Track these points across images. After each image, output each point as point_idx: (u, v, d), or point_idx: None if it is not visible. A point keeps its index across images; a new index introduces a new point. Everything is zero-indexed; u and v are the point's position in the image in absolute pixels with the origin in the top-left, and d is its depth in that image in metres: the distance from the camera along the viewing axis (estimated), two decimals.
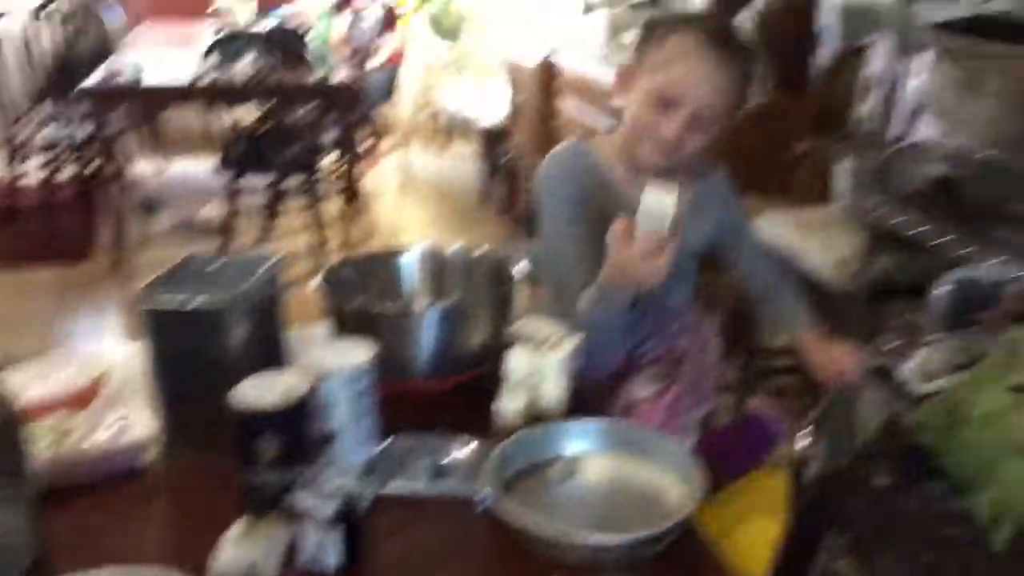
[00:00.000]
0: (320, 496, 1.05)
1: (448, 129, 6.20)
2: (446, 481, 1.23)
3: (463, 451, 1.27)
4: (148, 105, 4.73)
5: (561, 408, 1.39)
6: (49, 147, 4.67)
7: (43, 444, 1.22)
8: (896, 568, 1.25)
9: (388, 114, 5.89)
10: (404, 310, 1.46)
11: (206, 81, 3.95)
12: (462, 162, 6.16)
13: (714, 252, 1.69)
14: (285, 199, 4.68)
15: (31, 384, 1.37)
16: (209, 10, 5.21)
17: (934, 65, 1.70)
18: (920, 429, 1.77)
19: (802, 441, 1.50)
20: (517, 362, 1.42)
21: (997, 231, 1.61)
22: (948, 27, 1.68)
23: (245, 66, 4.08)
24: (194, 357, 1.24)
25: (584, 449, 1.27)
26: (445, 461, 1.25)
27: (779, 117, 2.86)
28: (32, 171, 4.85)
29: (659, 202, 1.34)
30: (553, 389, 1.39)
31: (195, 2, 5.68)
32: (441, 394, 1.46)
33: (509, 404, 1.36)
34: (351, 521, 1.06)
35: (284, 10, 5.07)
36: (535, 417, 1.37)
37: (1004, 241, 1.57)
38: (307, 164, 4.22)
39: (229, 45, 4.11)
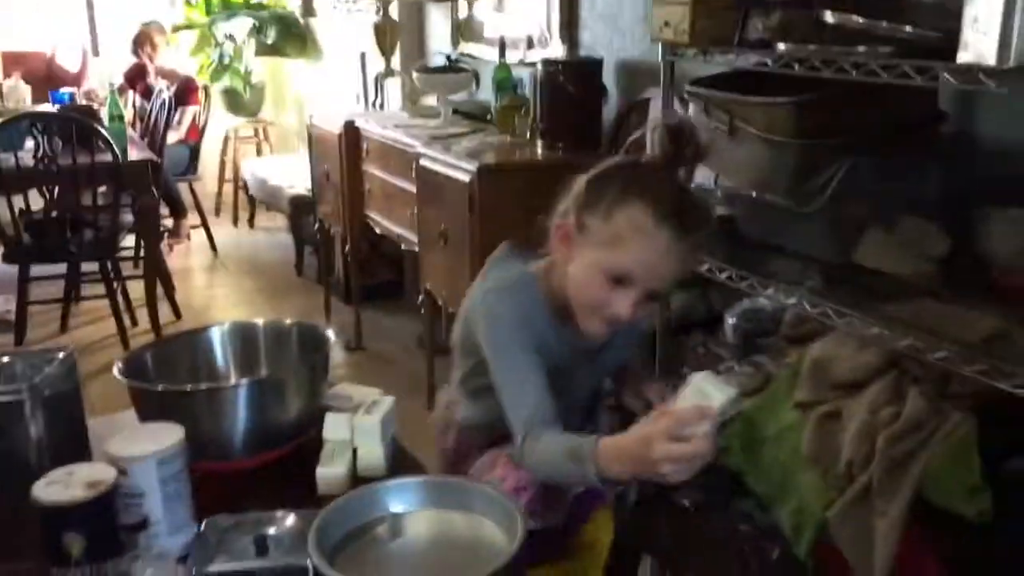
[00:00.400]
0: None
1: (255, 202, 6.11)
2: (271, 556, 1.21)
3: (286, 523, 1.26)
4: None
5: (382, 469, 1.40)
6: None
7: None
8: None
9: (192, 190, 5.75)
10: (212, 388, 1.44)
11: None
12: (272, 235, 6.08)
13: None
14: (82, 287, 4.49)
15: None
16: None
17: (696, 117, 1.85)
18: (724, 452, 1.89)
19: None
20: (334, 428, 1.43)
21: (770, 263, 1.76)
22: (704, 83, 1.84)
23: (29, 151, 3.90)
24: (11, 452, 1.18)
25: (406, 507, 1.29)
26: (268, 536, 1.24)
27: (573, 170, 3.01)
28: None
29: (721, 398, 1.14)
30: (372, 451, 1.40)
31: None
32: (262, 469, 1.44)
33: (328, 471, 1.37)
34: None
35: (67, 91, 4.88)
36: (358, 479, 1.38)
37: (776, 272, 1.71)
38: (104, 248, 4.06)
39: (10, 129, 3.92)
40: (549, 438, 1.32)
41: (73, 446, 1.26)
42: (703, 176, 2.36)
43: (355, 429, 1.41)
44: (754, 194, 1.70)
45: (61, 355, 1.27)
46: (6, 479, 1.16)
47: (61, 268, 4.23)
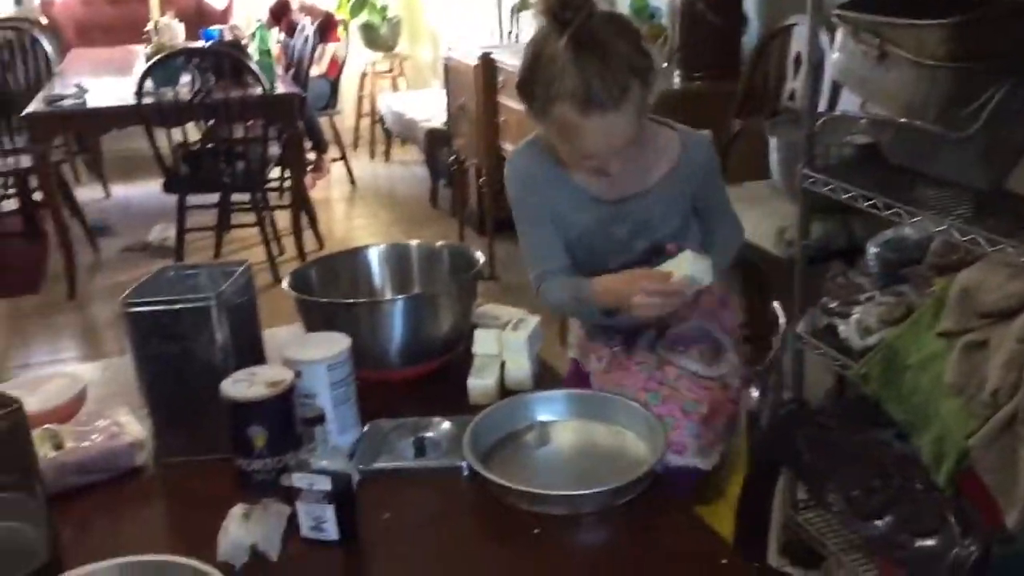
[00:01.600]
0: (313, 476, 1.13)
1: (391, 136, 6.26)
2: (428, 456, 1.31)
3: (441, 429, 1.35)
4: (92, 128, 4.71)
5: (528, 382, 1.48)
6: None
7: (41, 452, 1.28)
8: (842, 494, 1.36)
9: (333, 124, 5.93)
10: (372, 302, 1.54)
11: (148, 101, 3.97)
12: (407, 168, 6.22)
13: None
14: (233, 216, 4.73)
15: (31, 395, 1.42)
16: (143, 34, 5.21)
17: (844, 42, 1.82)
18: (864, 381, 1.89)
19: (752, 395, 1.60)
20: (484, 343, 1.51)
21: (917, 191, 1.73)
22: (854, 6, 1.79)
23: (185, 85, 4.11)
24: (180, 358, 1.30)
25: (553, 417, 1.37)
26: (426, 439, 1.33)
27: (711, 100, 2.99)
28: None
29: (696, 268, 1.40)
30: (519, 365, 1.48)
31: (124, 28, 5.67)
32: (416, 379, 1.54)
33: (479, 382, 1.45)
34: (344, 496, 1.14)
35: (217, 28, 5.08)
36: (506, 392, 1.47)
37: (924, 200, 1.68)
38: (254, 179, 4.26)
39: (167, 65, 4.13)
40: (555, 284, 1.54)
41: (251, 351, 1.37)
42: (850, 103, 2.32)
43: (504, 344, 1.49)
44: (903, 120, 1.66)
45: (239, 269, 1.39)
46: (196, 378, 1.28)
47: (215, 198, 4.47)
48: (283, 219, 4.63)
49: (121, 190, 5.88)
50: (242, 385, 1.23)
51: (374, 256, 1.68)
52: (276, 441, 1.21)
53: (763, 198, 2.49)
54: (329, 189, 5.91)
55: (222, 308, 1.29)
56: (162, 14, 5.36)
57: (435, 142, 5.07)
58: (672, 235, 1.57)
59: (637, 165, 1.53)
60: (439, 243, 1.71)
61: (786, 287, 2.14)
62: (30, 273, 4.55)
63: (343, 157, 5.92)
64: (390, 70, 6.61)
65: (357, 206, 5.63)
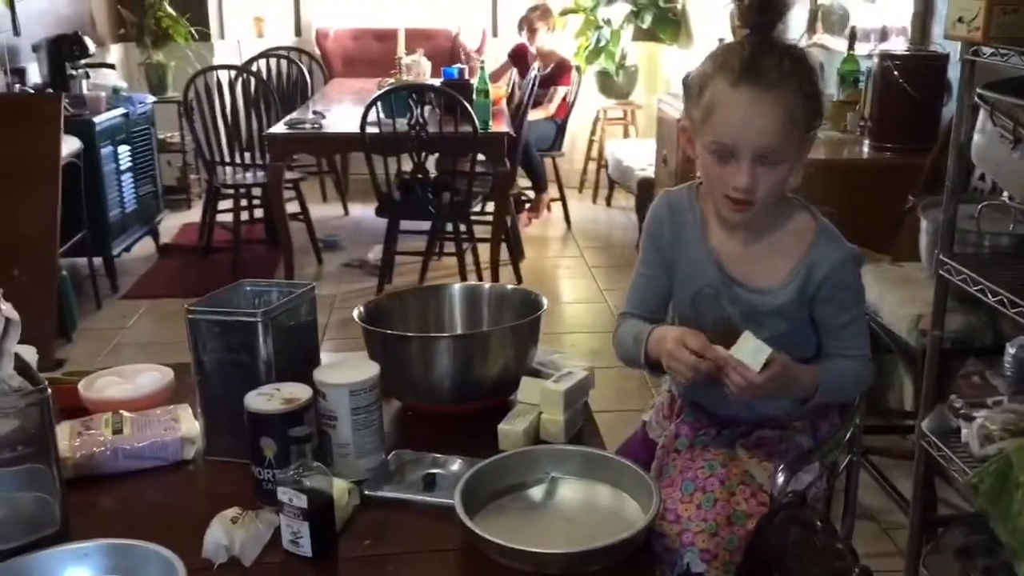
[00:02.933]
0: (293, 492, 1.20)
1: (612, 181, 6.33)
2: (435, 492, 1.34)
3: (453, 467, 1.38)
4: (322, 151, 5.14)
5: (560, 435, 1.48)
6: (241, 189, 5.15)
7: (107, 433, 1.44)
8: None
9: (555, 165, 6.09)
10: (424, 338, 1.59)
11: (373, 131, 4.28)
12: (625, 214, 6.26)
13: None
14: (443, 244, 4.98)
15: (110, 386, 1.61)
16: (392, 69, 5.61)
17: (983, 123, 1.67)
18: (974, 493, 1.72)
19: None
20: (526, 391, 1.53)
21: None
22: (997, 87, 1.65)
23: (411, 118, 4.39)
24: (229, 366, 1.43)
25: (558, 472, 1.37)
26: (437, 475, 1.37)
27: (898, 173, 2.81)
28: (233, 212, 5.36)
29: (751, 353, 1.36)
30: (553, 418, 1.48)
31: (385, 62, 6.12)
32: (465, 417, 1.57)
33: (509, 428, 1.47)
34: (320, 516, 1.20)
35: (456, 67, 5.39)
36: (539, 441, 1.47)
37: None
38: (458, 211, 4.47)
39: (395, 97, 4.43)
40: (628, 325, 1.56)
41: (300, 368, 1.46)
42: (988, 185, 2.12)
43: (541, 395, 1.50)
44: None
45: (302, 291, 1.50)
46: (241, 386, 1.39)
47: (427, 225, 4.73)
48: (488, 254, 4.80)
49: (359, 210, 6.34)
50: (263, 398, 1.33)
51: (450, 294, 1.75)
52: (284, 454, 1.30)
53: (913, 281, 2.32)
54: (546, 228, 6.06)
55: (268, 325, 1.40)
56: (409, 51, 5.73)
57: (645, 190, 5.08)
58: (779, 336, 1.44)
59: (770, 243, 1.49)
60: (510, 287, 1.75)
61: (914, 379, 1.99)
62: (260, 276, 5.00)
63: (562, 198, 6.05)
64: (623, 117, 6.69)
65: (568, 247, 5.73)
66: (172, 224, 5.90)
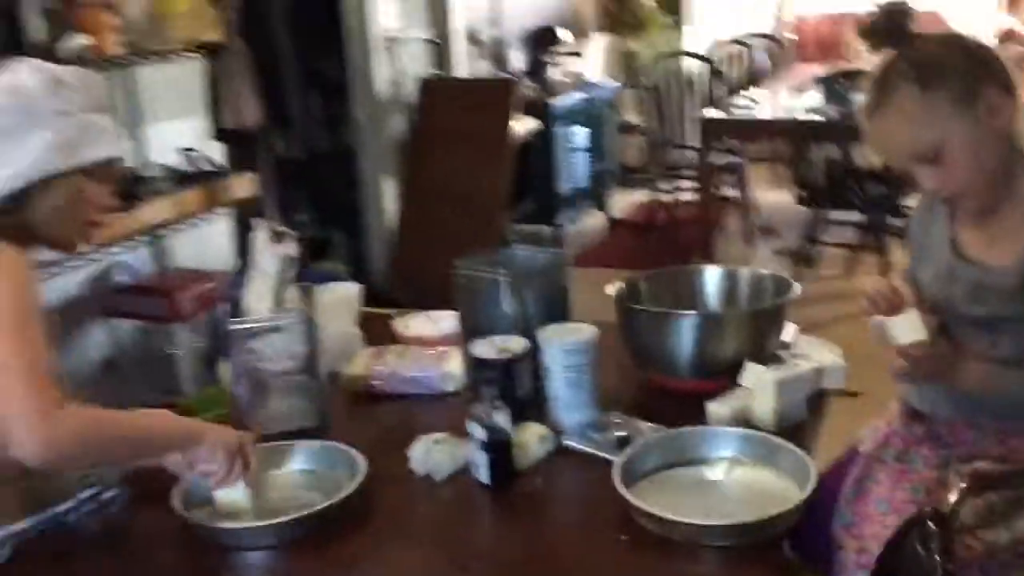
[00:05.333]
0: (478, 426, 1.38)
1: None
2: (620, 453, 1.43)
3: (644, 432, 1.46)
4: (749, 135, 5.14)
5: (768, 422, 1.47)
6: (684, 170, 5.36)
7: (392, 360, 1.75)
8: None
9: None
10: (662, 313, 1.66)
11: (806, 117, 4.22)
12: None
13: None
14: (870, 238, 4.72)
15: (417, 324, 1.92)
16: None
17: None
18: None
19: None
20: (748, 375, 1.54)
21: None
22: None
23: (848, 104, 4.24)
24: (482, 316, 1.64)
25: (726, 452, 1.38)
26: (631, 438, 1.46)
27: None
28: (674, 192, 5.62)
29: (904, 328, 1.32)
30: (764, 404, 1.48)
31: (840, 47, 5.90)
32: (700, 393, 1.62)
33: (716, 408, 1.50)
34: (497, 450, 1.37)
35: None
36: (750, 425, 1.49)
37: None
38: (880, 205, 4.23)
39: (835, 84, 4.31)
40: None
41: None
42: None
43: (755, 380, 1.50)
44: None
45: (553, 257, 1.67)
46: (496, 332, 1.60)
47: (855, 216, 4.54)
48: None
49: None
50: (486, 346, 1.52)
51: (706, 276, 1.78)
52: (499, 397, 1.47)
53: None
54: None
55: (518, 284, 1.59)
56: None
57: None
58: (1004, 323, 1.33)
59: (1004, 217, 1.36)
60: (765, 271, 1.73)
61: None
62: (691, 255, 5.19)
63: None
64: None
65: None
66: (626, 201, 6.31)
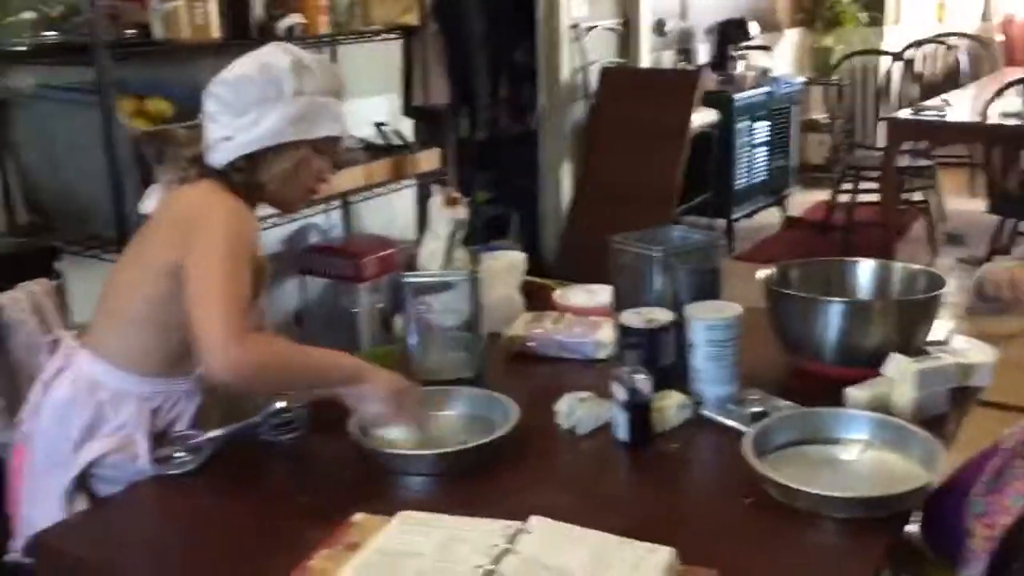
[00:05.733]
0: (620, 387, 1.49)
1: None
2: (751, 426, 1.51)
3: (782, 409, 1.53)
4: (938, 138, 4.95)
5: (907, 413, 1.50)
6: (862, 171, 5.23)
7: (549, 325, 1.88)
8: None
9: None
10: (809, 299, 1.70)
11: (993, 122, 4.06)
12: None
13: None
14: None
15: (575, 295, 2.04)
16: None
17: None
18: None
19: None
20: (891, 365, 1.58)
21: None
22: None
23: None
24: (633, 289, 1.74)
25: (858, 435, 1.43)
26: (767, 414, 1.52)
27: None
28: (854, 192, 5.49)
29: None
30: (903, 394, 1.51)
31: None
32: (842, 381, 1.66)
33: (857, 392, 1.54)
34: (636, 410, 1.48)
35: None
36: (881, 410, 1.52)
37: None
38: None
39: None
40: None
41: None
42: None
43: (897, 369, 1.53)
44: None
45: (708, 241, 1.75)
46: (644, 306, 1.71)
47: None
48: None
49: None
50: (634, 316, 1.62)
51: (859, 267, 1.81)
52: (642, 363, 1.58)
53: None
54: None
55: (663, 260, 1.68)
56: None
57: None
58: None
59: None
60: (917, 267, 1.74)
61: None
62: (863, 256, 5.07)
63: None
64: None
65: None
66: (806, 199, 6.20)
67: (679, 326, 1.62)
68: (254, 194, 1.55)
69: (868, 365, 1.63)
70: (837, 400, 1.55)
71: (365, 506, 1.29)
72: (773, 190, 5.65)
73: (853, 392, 1.55)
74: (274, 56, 1.52)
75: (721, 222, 5.18)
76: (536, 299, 2.06)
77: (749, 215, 5.45)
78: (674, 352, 1.62)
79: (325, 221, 3.45)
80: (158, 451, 1.47)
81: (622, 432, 1.50)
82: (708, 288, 1.76)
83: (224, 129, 1.50)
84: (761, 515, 1.30)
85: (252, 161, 1.52)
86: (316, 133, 1.54)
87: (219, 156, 1.51)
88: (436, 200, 1.69)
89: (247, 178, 1.52)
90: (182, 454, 1.46)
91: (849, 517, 1.26)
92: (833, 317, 1.65)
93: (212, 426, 1.50)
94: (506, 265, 2.00)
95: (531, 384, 1.77)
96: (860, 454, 1.42)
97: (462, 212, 1.68)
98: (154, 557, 1.30)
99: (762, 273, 1.80)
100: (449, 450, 1.44)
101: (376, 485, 1.42)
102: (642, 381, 1.49)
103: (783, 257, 5.25)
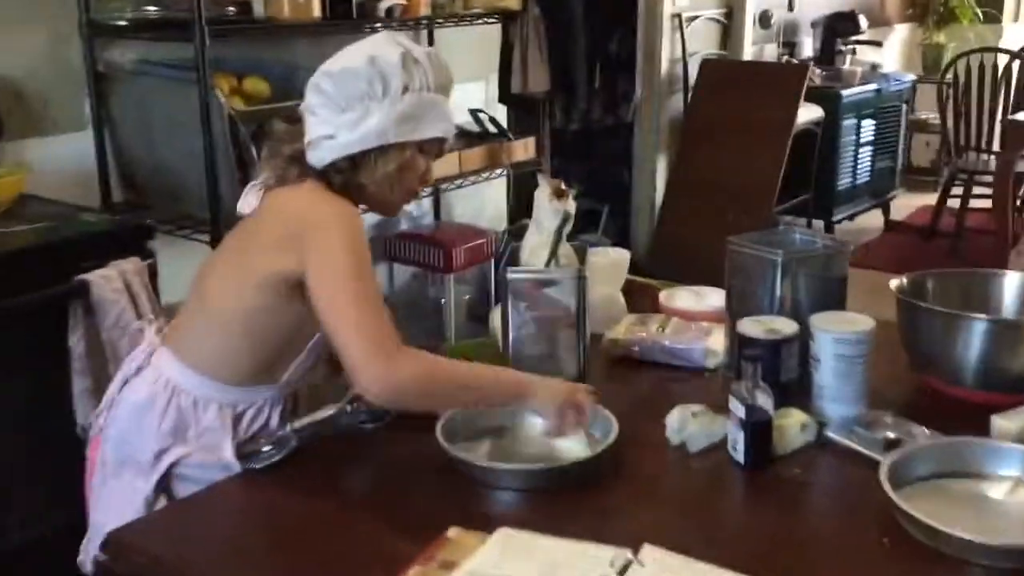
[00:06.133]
0: (739, 402, 1.36)
1: None
2: (886, 455, 1.37)
3: (918, 438, 1.38)
4: None
5: None
6: (974, 175, 4.96)
7: (654, 330, 1.76)
8: None
9: None
10: (948, 314, 1.55)
11: None
12: None
13: None
14: None
15: (681, 298, 1.91)
16: None
17: None
18: None
19: None
20: None
21: None
22: None
23: None
24: (753, 295, 1.61)
25: (1010, 473, 1.28)
26: (901, 440, 1.38)
27: None
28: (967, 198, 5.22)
29: None
30: None
31: None
32: (986, 407, 1.50)
33: (1006, 422, 1.39)
34: (755, 430, 1.35)
35: None
36: None
37: None
38: None
39: None
40: None
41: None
42: None
43: None
44: None
45: (835, 247, 1.61)
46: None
47: None
48: None
49: None
50: (754, 325, 1.49)
51: (1004, 281, 1.65)
52: (761, 376, 1.45)
53: None
54: None
55: (785, 266, 1.55)
56: None
57: None
58: None
59: None
60: None
61: None
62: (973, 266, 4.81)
63: None
64: None
65: None
66: (909, 203, 5.93)
67: (801, 339, 1.48)
68: (354, 195, 1.44)
69: (1016, 391, 1.48)
70: (980, 429, 1.40)
71: (456, 518, 1.20)
72: (877, 192, 5.41)
73: (1000, 421, 1.40)
74: (383, 48, 1.40)
75: (819, 224, 4.97)
76: (638, 299, 1.94)
77: (851, 217, 5.23)
78: (797, 367, 1.49)
79: (415, 208, 3.38)
80: (242, 446, 1.40)
81: (739, 453, 1.37)
82: (834, 298, 1.62)
83: (326, 126, 1.39)
84: (899, 558, 1.16)
85: (354, 162, 1.41)
86: (424, 134, 1.43)
87: (320, 155, 1.41)
88: (543, 192, 1.58)
89: (348, 179, 1.41)
90: (268, 448, 1.38)
91: (1007, 568, 1.11)
92: (978, 336, 1.50)
93: (296, 418, 1.42)
94: (610, 262, 1.88)
95: (635, 393, 1.65)
96: (1010, 493, 1.27)
97: (570, 205, 1.57)
98: (232, 558, 1.22)
99: (894, 283, 1.65)
100: (542, 467, 1.34)
101: (468, 496, 1.32)
102: (763, 398, 1.36)
103: (886, 263, 5.06)
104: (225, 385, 1.44)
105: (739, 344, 1.50)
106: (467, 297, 3.46)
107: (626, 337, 1.75)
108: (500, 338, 1.66)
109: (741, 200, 4.21)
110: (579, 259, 1.63)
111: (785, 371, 1.47)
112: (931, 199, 6.02)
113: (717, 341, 1.71)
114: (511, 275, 1.55)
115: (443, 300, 3.27)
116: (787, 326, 1.49)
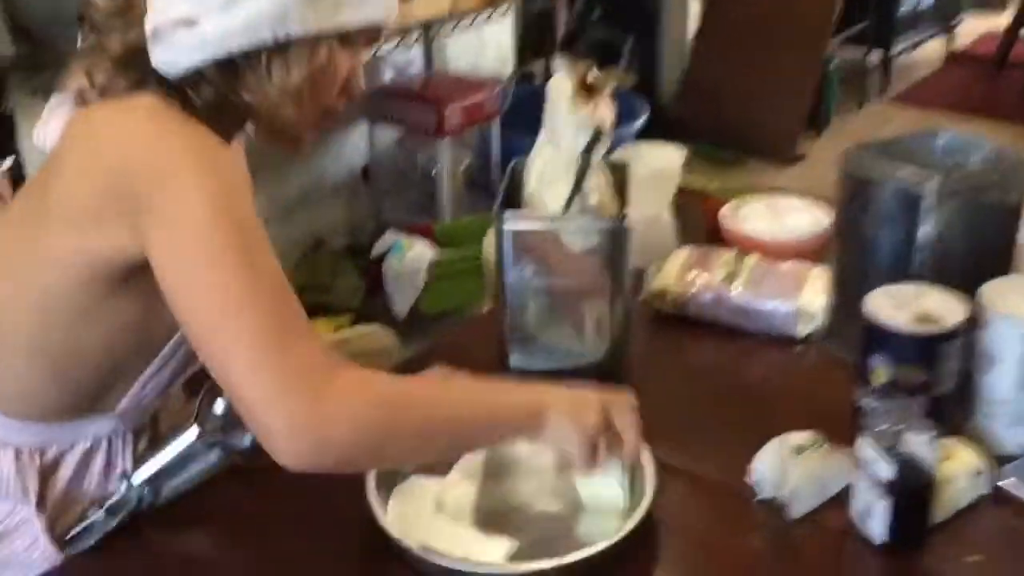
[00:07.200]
0: (879, 452, 0.83)
1: None
2: None
3: None
4: None
5: None
6: None
7: (720, 276, 1.21)
8: None
9: None
10: None
11: None
12: None
13: None
14: None
15: (755, 217, 1.35)
16: None
17: None
18: None
19: None
20: None
21: None
22: None
23: None
24: (876, 239, 1.06)
25: None
26: None
27: None
28: None
29: None
30: None
31: None
32: None
33: None
34: (906, 498, 0.83)
35: None
36: None
37: None
38: None
39: None
40: None
41: (983, 272, 1.02)
42: None
43: None
44: None
45: (1006, 153, 1.04)
46: (886, 274, 1.03)
47: None
48: None
49: None
50: (890, 302, 0.95)
51: None
52: (901, 384, 0.92)
53: None
54: None
55: (936, 197, 0.99)
56: None
57: None
58: None
59: None
60: None
61: None
62: None
63: None
64: None
65: None
66: (974, 29, 5.18)
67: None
68: (229, 122, 0.87)
69: None
70: None
71: None
72: (942, 16, 4.67)
73: None
74: None
75: (875, 57, 4.29)
76: (690, 218, 1.39)
77: (913, 47, 4.52)
78: (956, 372, 0.95)
79: (401, 57, 2.75)
80: (59, 517, 0.90)
81: (876, 525, 0.85)
82: (1006, 247, 1.07)
83: (182, 3, 0.80)
84: None
85: (232, 68, 0.83)
86: (347, 17, 0.84)
87: (172, 55, 0.81)
88: (560, 83, 0.98)
89: (220, 95, 0.83)
90: (99, 515, 0.88)
91: None
92: None
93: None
94: (656, 174, 1.30)
95: (694, 385, 1.12)
96: None
97: (606, 111, 0.97)
98: None
99: None
100: (549, 566, 0.82)
101: None
102: (924, 444, 0.83)
103: (947, 100, 4.40)
104: (23, 422, 0.92)
105: (867, 335, 0.95)
106: (465, 163, 2.89)
107: (677, 287, 1.20)
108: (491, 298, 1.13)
109: (791, 35, 3.56)
110: (618, 189, 1.05)
111: (944, 380, 0.94)
112: (996, 24, 5.28)
113: (814, 295, 1.17)
114: (511, 224, 0.98)
115: (435, 169, 2.69)
116: (947, 307, 0.94)
